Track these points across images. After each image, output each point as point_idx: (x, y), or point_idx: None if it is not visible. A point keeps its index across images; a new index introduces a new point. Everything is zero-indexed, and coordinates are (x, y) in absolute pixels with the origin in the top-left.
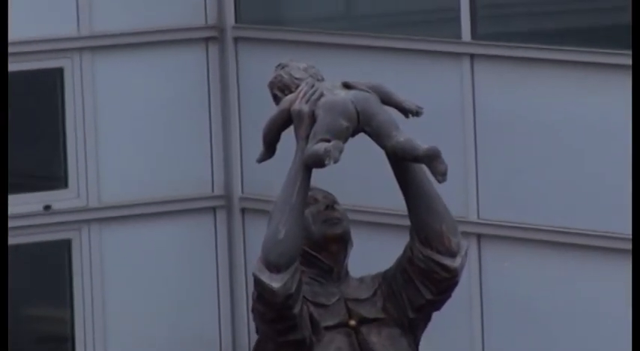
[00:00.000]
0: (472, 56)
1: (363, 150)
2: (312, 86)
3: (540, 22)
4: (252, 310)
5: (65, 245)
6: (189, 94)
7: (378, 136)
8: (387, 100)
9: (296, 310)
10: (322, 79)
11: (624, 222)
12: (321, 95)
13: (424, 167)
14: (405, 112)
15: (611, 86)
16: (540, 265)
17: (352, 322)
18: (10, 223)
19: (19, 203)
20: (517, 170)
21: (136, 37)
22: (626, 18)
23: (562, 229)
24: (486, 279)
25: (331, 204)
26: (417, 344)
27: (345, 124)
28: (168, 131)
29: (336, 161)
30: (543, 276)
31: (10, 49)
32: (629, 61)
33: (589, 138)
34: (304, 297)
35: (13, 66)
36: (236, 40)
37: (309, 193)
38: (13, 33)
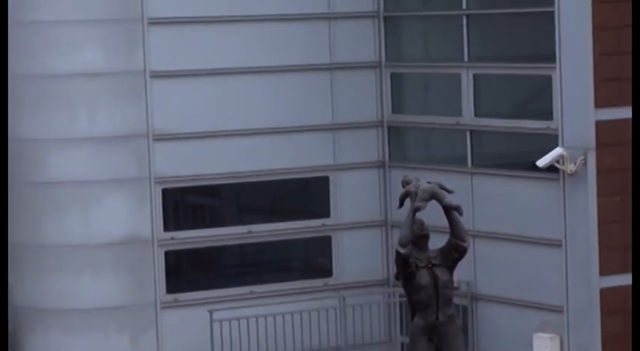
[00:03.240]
0: (472, 174)
1: (434, 207)
2: (417, 182)
3: (494, 160)
4: (395, 261)
5: (327, 240)
6: (373, 186)
7: (439, 200)
8: (442, 188)
9: (410, 260)
10: (419, 179)
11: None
12: (419, 186)
13: (455, 212)
14: (448, 191)
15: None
16: (491, 247)
17: (429, 265)
18: (295, 228)
19: (306, 225)
20: (485, 212)
21: (361, 163)
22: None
23: (500, 232)
24: (477, 251)
25: (422, 223)
26: (452, 275)
27: (427, 196)
28: (370, 198)
29: (423, 209)
30: (496, 247)
31: (307, 175)
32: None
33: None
34: (413, 255)
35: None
36: (390, 167)
37: (416, 219)
38: (307, 161)
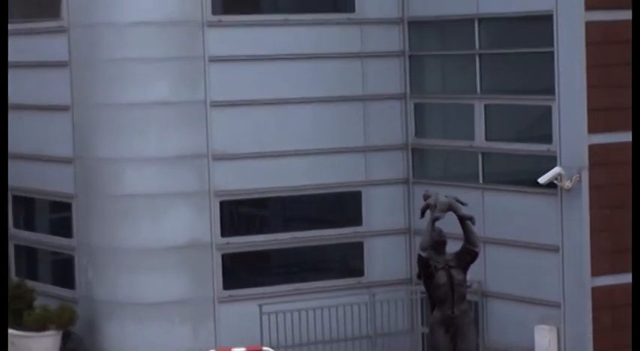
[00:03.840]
0: (483, 189)
1: (451, 217)
2: (436, 196)
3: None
4: (417, 263)
5: (360, 245)
6: (398, 199)
7: (455, 212)
8: (458, 201)
9: (430, 262)
10: (438, 194)
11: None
12: (438, 199)
13: (469, 221)
14: (463, 204)
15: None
16: (499, 251)
17: (446, 266)
18: (333, 234)
19: (341, 232)
20: (494, 221)
21: (388, 180)
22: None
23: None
24: (487, 255)
25: (440, 231)
26: (465, 275)
27: (445, 208)
28: (396, 209)
29: (442, 219)
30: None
31: (343, 189)
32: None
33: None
34: (432, 258)
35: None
36: (413, 183)
37: (435, 227)
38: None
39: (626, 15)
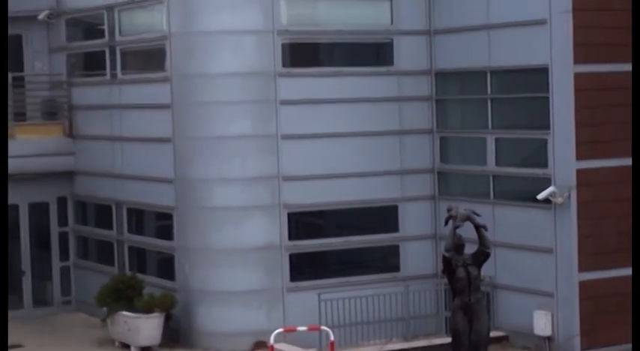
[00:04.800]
0: (493, 204)
1: (468, 226)
2: (457, 209)
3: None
4: (442, 261)
5: (396, 247)
6: (427, 211)
7: (472, 221)
8: (474, 212)
9: (452, 261)
10: (458, 207)
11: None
12: (458, 211)
13: (483, 229)
14: (478, 215)
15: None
16: (507, 252)
17: (465, 264)
18: (375, 239)
19: (382, 237)
20: (503, 229)
21: (419, 196)
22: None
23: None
24: (497, 255)
25: (460, 236)
26: (480, 271)
27: (464, 218)
28: (425, 219)
29: (461, 227)
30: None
31: (383, 204)
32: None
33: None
34: (453, 258)
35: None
36: (439, 199)
37: (456, 233)
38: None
39: (608, 68)
